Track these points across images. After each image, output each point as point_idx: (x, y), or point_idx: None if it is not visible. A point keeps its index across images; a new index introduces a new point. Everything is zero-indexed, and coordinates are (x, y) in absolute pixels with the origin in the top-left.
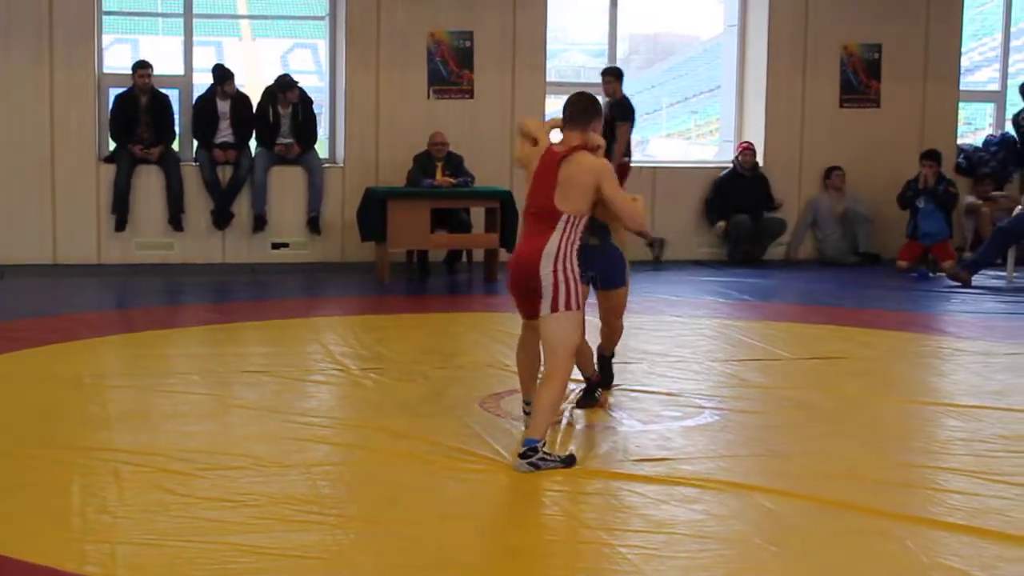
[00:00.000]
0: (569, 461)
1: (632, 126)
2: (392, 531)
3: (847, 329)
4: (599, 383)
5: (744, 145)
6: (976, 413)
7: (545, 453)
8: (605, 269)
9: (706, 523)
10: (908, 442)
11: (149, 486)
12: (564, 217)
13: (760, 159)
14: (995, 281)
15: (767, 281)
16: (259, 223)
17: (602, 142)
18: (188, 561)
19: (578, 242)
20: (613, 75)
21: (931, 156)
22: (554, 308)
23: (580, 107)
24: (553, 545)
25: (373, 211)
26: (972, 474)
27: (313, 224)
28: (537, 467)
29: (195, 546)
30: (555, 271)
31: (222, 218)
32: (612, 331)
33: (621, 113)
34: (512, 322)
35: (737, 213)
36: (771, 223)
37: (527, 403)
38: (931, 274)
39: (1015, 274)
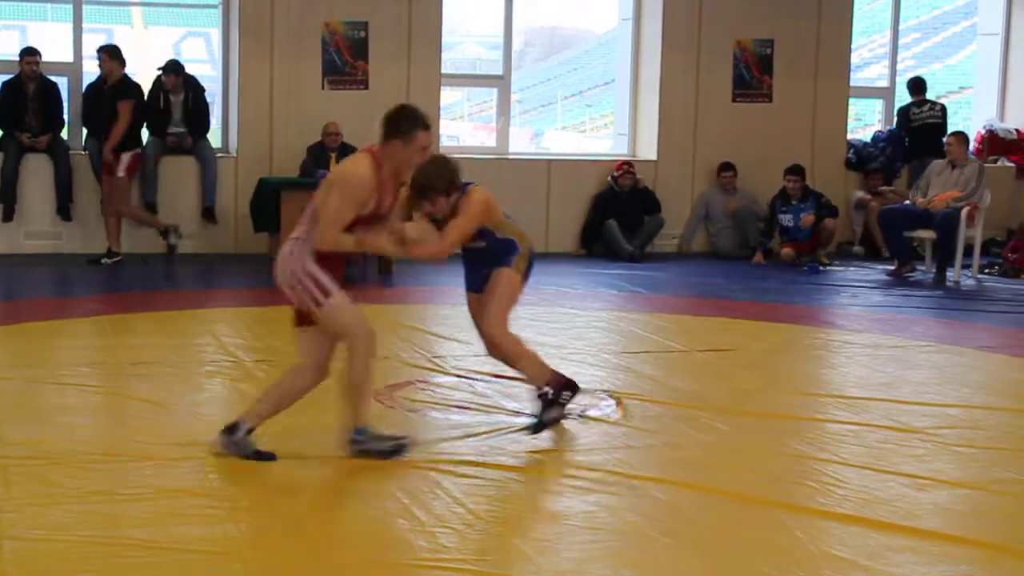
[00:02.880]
0: (401, 447)
1: (136, 106)
2: (283, 524)
3: (739, 322)
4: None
5: (622, 166)
6: (865, 405)
7: (373, 437)
8: (492, 262)
9: (599, 514)
10: (799, 434)
11: (37, 480)
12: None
13: (653, 152)
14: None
15: (660, 274)
16: (150, 212)
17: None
18: (78, 556)
19: (305, 251)
20: (108, 53)
21: (795, 172)
22: (316, 302)
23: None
24: (447, 536)
25: (266, 202)
26: (861, 466)
27: (208, 214)
28: (369, 454)
29: (85, 540)
30: (294, 277)
31: None
32: (486, 312)
33: (123, 92)
34: (406, 314)
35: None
36: (649, 224)
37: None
38: (820, 267)
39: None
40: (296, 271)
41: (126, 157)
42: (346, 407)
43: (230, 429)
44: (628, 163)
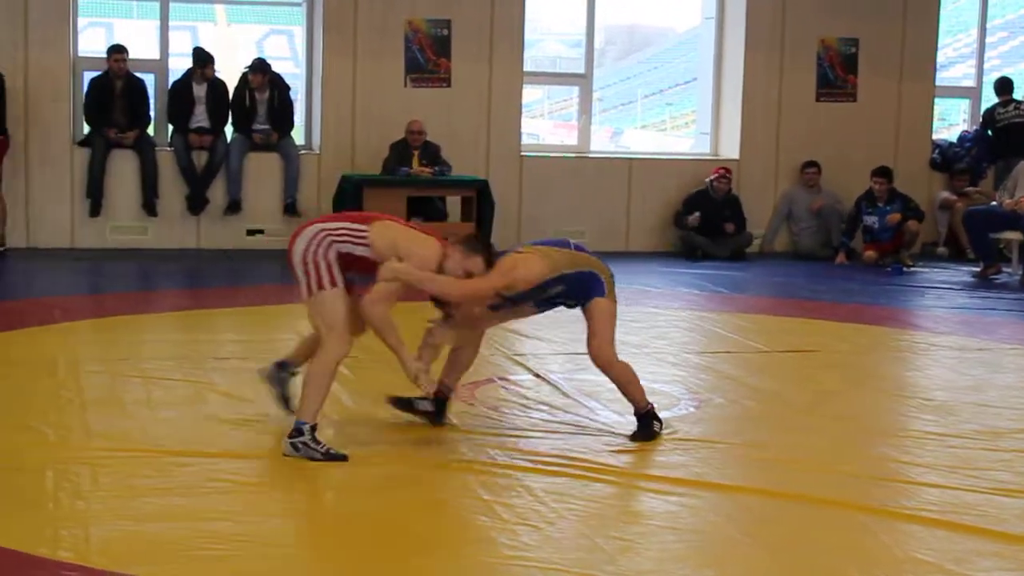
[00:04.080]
0: (336, 457)
1: None
2: (362, 520)
3: (822, 323)
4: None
5: (720, 171)
6: (951, 408)
7: (312, 439)
8: (576, 296)
9: (680, 515)
10: (883, 436)
11: (123, 472)
12: (354, 226)
13: (736, 152)
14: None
15: (742, 273)
16: (234, 208)
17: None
18: (161, 547)
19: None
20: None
21: (882, 173)
22: (308, 290)
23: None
24: (528, 534)
25: (349, 198)
26: (946, 469)
27: (290, 209)
28: (296, 449)
29: (168, 532)
30: (304, 256)
31: (197, 203)
32: (592, 340)
33: None
34: None
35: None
36: (738, 239)
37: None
38: (904, 268)
39: None
40: (316, 255)
41: None
42: (300, 398)
43: (294, 432)
44: (726, 168)
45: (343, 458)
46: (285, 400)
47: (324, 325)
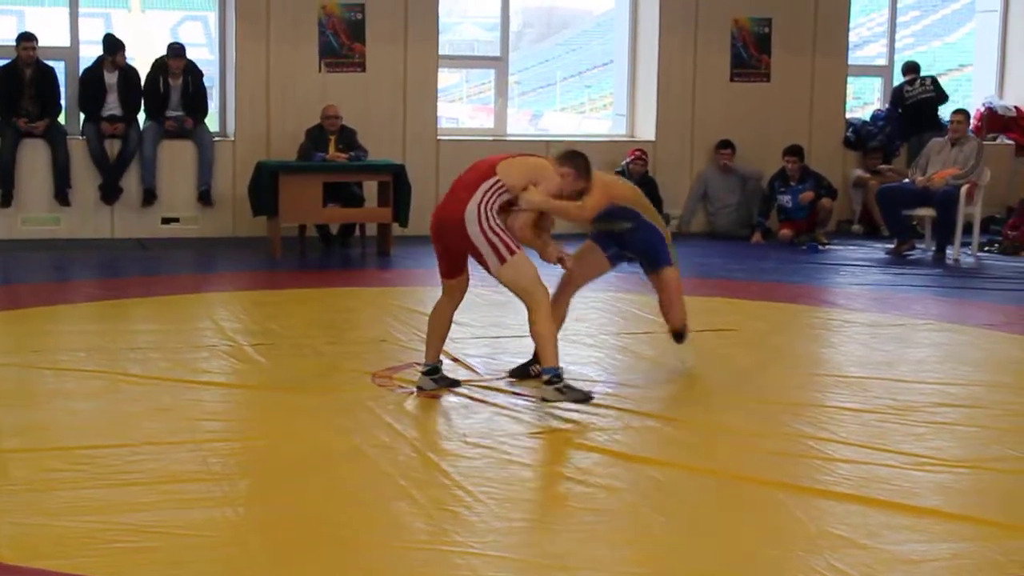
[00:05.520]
0: (587, 397)
1: None
2: (282, 508)
3: (738, 302)
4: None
5: (636, 153)
6: (864, 384)
7: (569, 382)
8: (644, 252)
9: (598, 495)
10: (798, 413)
11: (34, 466)
12: (490, 182)
13: (652, 133)
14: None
15: None
16: (148, 197)
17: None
18: (75, 540)
19: (496, 206)
20: None
21: (794, 152)
22: (501, 260)
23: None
24: (445, 518)
25: (264, 185)
26: (860, 444)
27: (205, 198)
28: (563, 393)
29: (83, 525)
30: (483, 231)
31: (110, 193)
32: (670, 312)
33: None
34: (406, 296)
35: None
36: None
37: (426, 365)
38: (819, 246)
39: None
40: (494, 227)
41: None
42: (539, 353)
43: (553, 379)
44: (642, 150)
45: (590, 397)
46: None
47: (526, 286)
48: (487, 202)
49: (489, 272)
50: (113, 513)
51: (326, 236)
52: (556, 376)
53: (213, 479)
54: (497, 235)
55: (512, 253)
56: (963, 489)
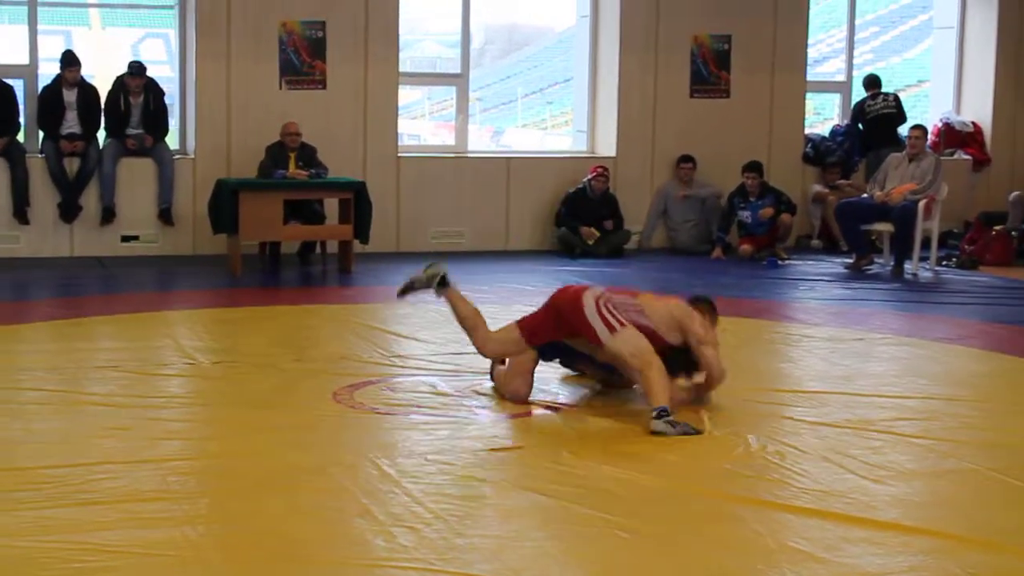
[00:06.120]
0: (696, 431)
1: None
2: (243, 526)
3: None
4: None
5: (597, 170)
6: (823, 398)
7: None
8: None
9: (555, 511)
10: (757, 428)
11: None
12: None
13: (613, 149)
14: (875, 268)
15: (620, 270)
16: (108, 215)
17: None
18: (37, 560)
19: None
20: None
21: (753, 168)
22: (611, 330)
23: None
24: (405, 535)
25: (225, 203)
26: (819, 458)
27: (165, 216)
28: (673, 427)
29: (44, 545)
30: (597, 308)
31: (70, 211)
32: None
33: None
34: (367, 314)
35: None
36: (616, 236)
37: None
38: (779, 262)
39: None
40: (608, 304)
41: None
42: (650, 394)
43: (661, 413)
44: (603, 167)
45: (698, 431)
46: None
47: (636, 355)
48: (613, 299)
49: (599, 344)
50: (74, 533)
51: (275, 256)
52: (665, 411)
53: (174, 498)
54: (612, 313)
55: (623, 326)
56: (921, 502)
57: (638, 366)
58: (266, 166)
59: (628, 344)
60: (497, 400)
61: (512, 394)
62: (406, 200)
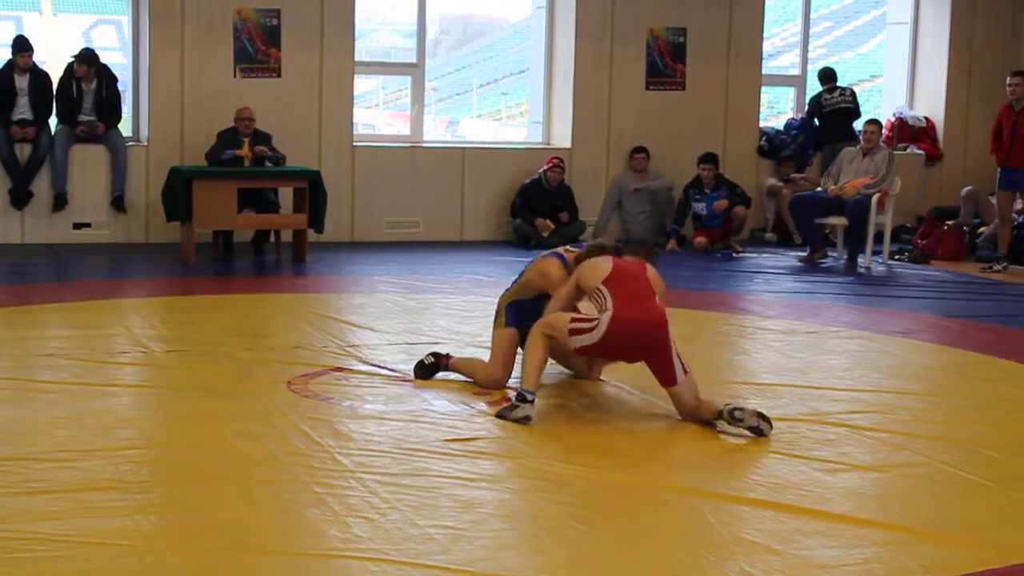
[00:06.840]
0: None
1: None
2: (195, 516)
3: None
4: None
5: (553, 161)
6: (777, 390)
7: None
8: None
9: (512, 502)
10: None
11: None
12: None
13: (568, 141)
14: (829, 261)
15: None
16: (60, 202)
17: None
18: None
19: None
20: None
21: (708, 160)
22: (685, 371)
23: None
24: (360, 526)
25: (178, 191)
26: (773, 451)
27: (118, 203)
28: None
29: None
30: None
31: (20, 197)
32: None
33: None
34: (321, 303)
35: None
36: (571, 227)
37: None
38: (734, 254)
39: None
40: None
41: None
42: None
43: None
44: (559, 158)
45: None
46: None
47: (699, 400)
48: None
49: (663, 382)
50: (24, 522)
51: (228, 244)
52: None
53: (125, 487)
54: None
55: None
56: (875, 495)
57: (697, 402)
58: (215, 151)
59: (692, 392)
60: (454, 390)
61: (488, 379)
62: (361, 190)
